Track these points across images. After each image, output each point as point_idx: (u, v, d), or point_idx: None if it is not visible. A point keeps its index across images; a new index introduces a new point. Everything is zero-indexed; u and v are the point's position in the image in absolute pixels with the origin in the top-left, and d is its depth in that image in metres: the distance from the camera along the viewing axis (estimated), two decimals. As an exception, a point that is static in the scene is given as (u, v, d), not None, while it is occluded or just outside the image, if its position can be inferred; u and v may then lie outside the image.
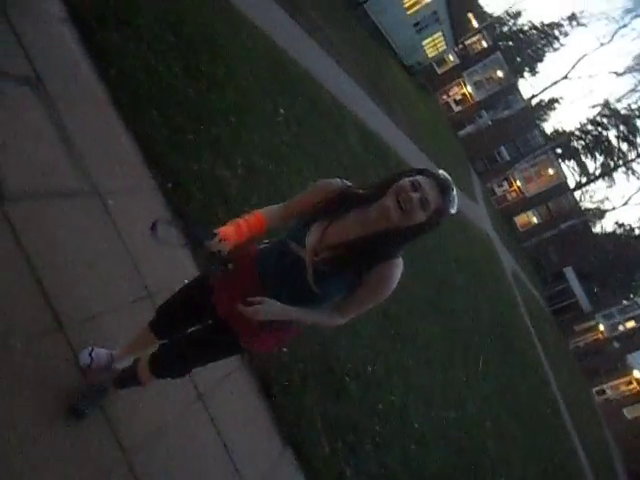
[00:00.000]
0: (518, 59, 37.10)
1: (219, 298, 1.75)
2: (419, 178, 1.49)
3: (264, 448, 2.86)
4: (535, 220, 34.36)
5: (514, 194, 33.39)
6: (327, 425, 3.26)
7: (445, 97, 32.89)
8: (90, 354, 2.00)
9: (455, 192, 1.51)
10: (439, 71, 31.88)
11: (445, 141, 22.20)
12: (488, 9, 38.88)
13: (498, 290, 13.25)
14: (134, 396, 2.16)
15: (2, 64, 2.42)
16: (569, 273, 32.16)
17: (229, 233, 1.57)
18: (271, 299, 1.55)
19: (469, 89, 32.11)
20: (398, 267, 1.56)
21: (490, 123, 32.03)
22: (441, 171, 1.54)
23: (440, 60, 30.27)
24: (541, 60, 38.53)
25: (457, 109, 32.74)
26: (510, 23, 37.69)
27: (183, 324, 1.91)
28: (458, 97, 32.96)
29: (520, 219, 34.51)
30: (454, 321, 7.56)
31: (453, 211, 1.51)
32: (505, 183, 33.84)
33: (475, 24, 33.29)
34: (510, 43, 36.63)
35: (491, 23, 35.76)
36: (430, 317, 6.56)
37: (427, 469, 4.24)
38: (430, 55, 25.55)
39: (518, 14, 37.41)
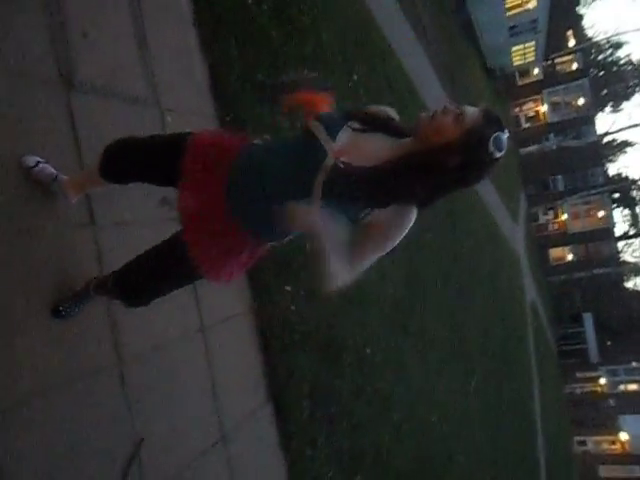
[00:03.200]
0: (605, 91, 35.47)
1: (186, 181, 1.52)
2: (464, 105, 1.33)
3: (248, 396, 2.91)
4: (570, 257, 33.47)
5: (556, 226, 32.47)
6: (313, 392, 3.30)
7: (517, 110, 31.81)
8: (38, 162, 1.81)
9: (502, 131, 1.29)
10: (519, 82, 30.74)
11: (506, 157, 21.61)
12: (590, 31, 37.18)
13: (513, 315, 13.06)
14: (143, 309, 2.20)
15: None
16: (587, 319, 31.44)
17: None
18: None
19: (545, 108, 30.97)
20: (413, 213, 1.36)
21: (555, 148, 30.97)
22: (493, 110, 1.34)
23: (524, 71, 29.19)
24: (628, 99, 36.81)
25: (526, 125, 31.69)
26: (608, 52, 35.92)
27: (137, 176, 1.73)
28: (531, 114, 31.85)
29: (555, 252, 33.65)
30: (463, 331, 7.49)
31: (497, 153, 1.29)
32: (551, 212, 32.91)
33: (572, 43, 31.85)
34: (601, 73, 34.96)
35: (588, 47, 34.12)
36: (441, 319, 6.52)
37: (393, 461, 4.28)
38: (515, 63, 24.66)
39: (619, 45, 35.61)
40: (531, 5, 19.49)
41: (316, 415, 3.31)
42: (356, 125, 1.41)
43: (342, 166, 1.32)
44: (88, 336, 1.96)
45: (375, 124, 1.42)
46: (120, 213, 2.18)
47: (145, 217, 2.25)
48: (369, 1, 6.30)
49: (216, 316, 2.67)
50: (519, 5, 19.50)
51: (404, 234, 1.39)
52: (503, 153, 1.31)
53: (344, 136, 1.37)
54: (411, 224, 1.38)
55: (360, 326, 4.14)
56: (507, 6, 19.24)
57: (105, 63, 2.28)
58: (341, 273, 1.31)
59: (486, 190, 12.78)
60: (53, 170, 1.85)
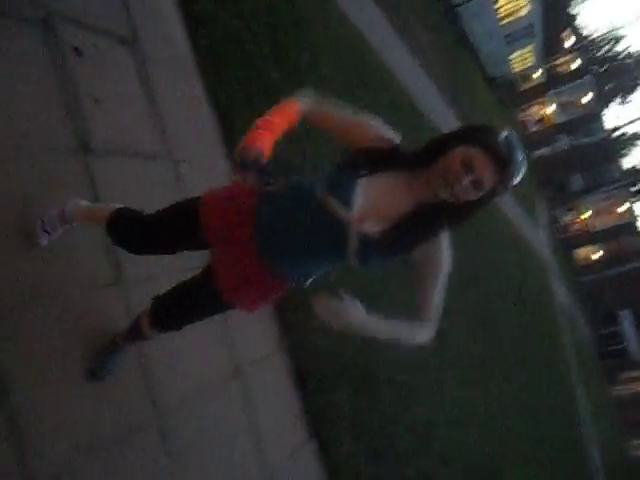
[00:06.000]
0: (609, 86, 35.27)
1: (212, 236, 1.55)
2: (474, 153, 1.23)
3: (289, 435, 2.88)
4: (596, 256, 32.79)
5: (579, 225, 31.98)
6: (354, 424, 3.25)
7: (524, 115, 31.76)
8: (44, 230, 1.80)
9: (520, 161, 1.24)
10: (522, 87, 30.78)
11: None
12: (586, 30, 37.16)
13: (546, 321, 12.78)
14: (174, 360, 2.22)
15: (106, 22, 2.51)
16: (624, 317, 30.53)
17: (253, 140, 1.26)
18: (355, 301, 1.23)
19: (551, 110, 30.87)
20: (446, 238, 1.41)
21: (567, 148, 30.71)
22: (505, 135, 1.24)
23: (525, 76, 29.25)
24: (633, 91, 36.54)
25: (534, 129, 31.57)
26: (607, 48, 35.87)
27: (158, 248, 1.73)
28: (537, 117, 31.77)
29: (580, 252, 33.00)
30: (496, 343, 7.35)
31: (516, 182, 1.28)
32: (571, 213, 32.45)
33: (569, 44, 31.90)
34: (603, 69, 34.83)
35: (587, 45, 34.13)
36: (472, 334, 6.40)
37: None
38: (516, 69, 24.75)
39: (617, 39, 35.57)
40: (524, 11, 19.63)
41: (359, 448, 3.25)
42: (364, 172, 1.36)
43: (368, 234, 1.34)
44: (124, 394, 1.97)
45: (379, 162, 1.37)
46: (148, 267, 2.21)
47: (173, 268, 2.28)
48: (362, 29, 6.41)
49: (249, 359, 2.67)
50: (512, 13, 19.67)
51: (449, 254, 1.42)
52: (522, 175, 1.28)
53: (358, 196, 1.34)
54: (447, 245, 1.41)
55: (392, 352, 4.08)
56: (500, 15, 19.41)
57: (118, 124, 2.36)
58: (424, 335, 1.43)
59: (503, 198, 12.67)
60: (59, 228, 1.84)
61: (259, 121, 1.32)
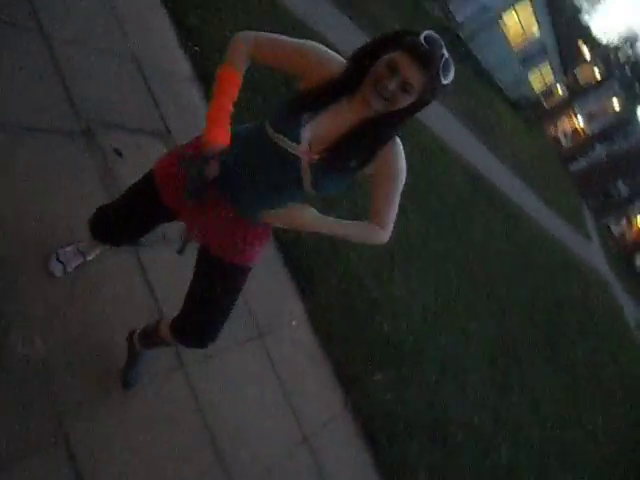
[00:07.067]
0: (637, 85, 34.38)
1: (185, 217, 1.57)
2: (396, 56, 1.27)
3: (367, 496, 2.80)
4: (662, 259, 31.05)
5: (636, 231, 30.57)
6: (431, 476, 3.12)
7: (554, 131, 31.28)
8: (58, 259, 1.89)
9: (444, 58, 1.27)
10: (547, 104, 30.49)
11: (555, 177, 21.06)
12: (601, 37, 36.87)
13: (620, 342, 12.00)
14: (244, 436, 2.23)
15: (140, 120, 2.71)
16: None
17: (215, 137, 1.34)
18: (304, 205, 1.37)
19: (580, 122, 30.33)
20: (398, 145, 1.43)
21: (604, 156, 29.87)
22: (425, 34, 1.27)
23: (548, 92, 29.06)
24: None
25: (568, 144, 30.95)
26: (626, 47, 35.31)
27: (133, 232, 1.76)
28: (568, 131, 31.20)
29: (642, 258, 31.38)
30: (571, 371, 6.96)
31: (446, 82, 1.30)
32: (624, 220, 31.15)
33: (586, 52, 31.59)
34: (626, 69, 34.08)
35: (604, 51, 33.68)
36: (543, 365, 6.11)
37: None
38: (537, 88, 24.67)
39: (635, 39, 35.04)
40: (534, 31, 19.73)
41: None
42: (309, 111, 1.38)
43: (318, 161, 1.38)
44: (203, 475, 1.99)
45: (322, 97, 1.39)
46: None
47: (227, 344, 2.33)
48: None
49: (315, 423, 2.65)
50: (522, 34, 19.76)
51: (402, 167, 1.45)
52: (452, 76, 1.31)
53: (307, 131, 1.37)
54: (399, 158, 1.44)
55: (461, 396, 3.95)
56: (510, 40, 19.50)
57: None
58: (371, 238, 1.49)
59: (548, 219, 12.39)
60: (73, 261, 1.91)
61: (214, 107, 1.38)
